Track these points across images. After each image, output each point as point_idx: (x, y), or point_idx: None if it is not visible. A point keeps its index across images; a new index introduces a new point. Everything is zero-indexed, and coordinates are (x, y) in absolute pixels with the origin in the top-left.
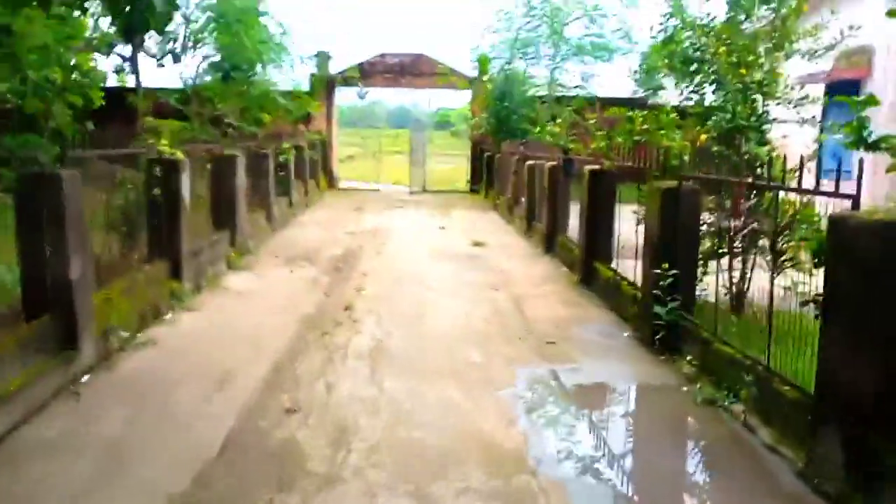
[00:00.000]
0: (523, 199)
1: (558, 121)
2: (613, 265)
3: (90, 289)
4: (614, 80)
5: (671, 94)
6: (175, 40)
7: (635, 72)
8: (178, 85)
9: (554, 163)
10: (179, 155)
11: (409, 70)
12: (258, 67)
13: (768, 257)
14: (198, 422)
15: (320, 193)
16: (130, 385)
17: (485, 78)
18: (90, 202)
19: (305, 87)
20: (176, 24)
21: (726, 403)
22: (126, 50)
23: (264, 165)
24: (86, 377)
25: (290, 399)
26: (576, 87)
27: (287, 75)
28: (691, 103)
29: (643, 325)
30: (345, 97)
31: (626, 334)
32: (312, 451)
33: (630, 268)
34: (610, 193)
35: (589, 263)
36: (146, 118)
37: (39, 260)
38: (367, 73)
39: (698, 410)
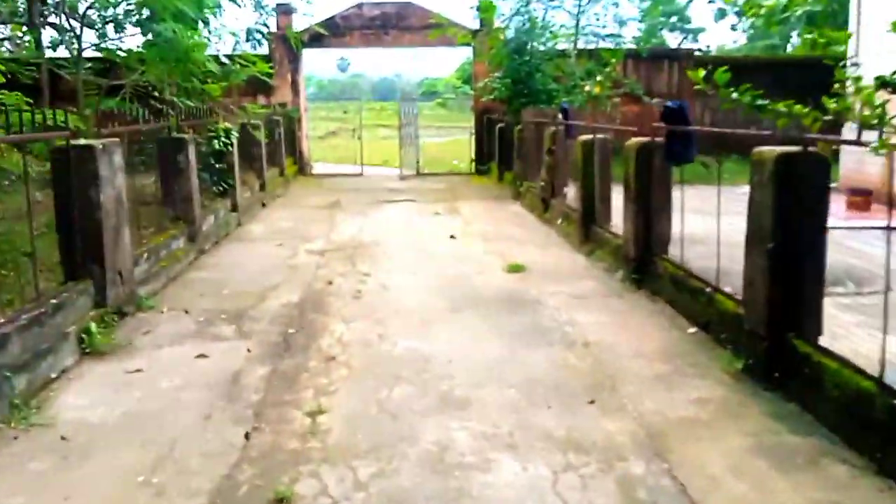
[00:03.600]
0: (568, 191)
1: (598, 78)
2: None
3: None
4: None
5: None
6: (117, 6)
7: None
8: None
9: (644, 139)
10: None
11: (394, 23)
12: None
13: None
14: None
15: (285, 184)
16: None
17: (496, 25)
18: None
19: (258, 48)
20: None
21: None
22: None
23: (181, 157)
24: None
25: None
26: (609, 35)
27: (222, 31)
28: None
29: None
30: (323, 68)
31: None
32: None
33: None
34: (819, 202)
35: (778, 339)
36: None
37: None
38: (341, 29)
39: None
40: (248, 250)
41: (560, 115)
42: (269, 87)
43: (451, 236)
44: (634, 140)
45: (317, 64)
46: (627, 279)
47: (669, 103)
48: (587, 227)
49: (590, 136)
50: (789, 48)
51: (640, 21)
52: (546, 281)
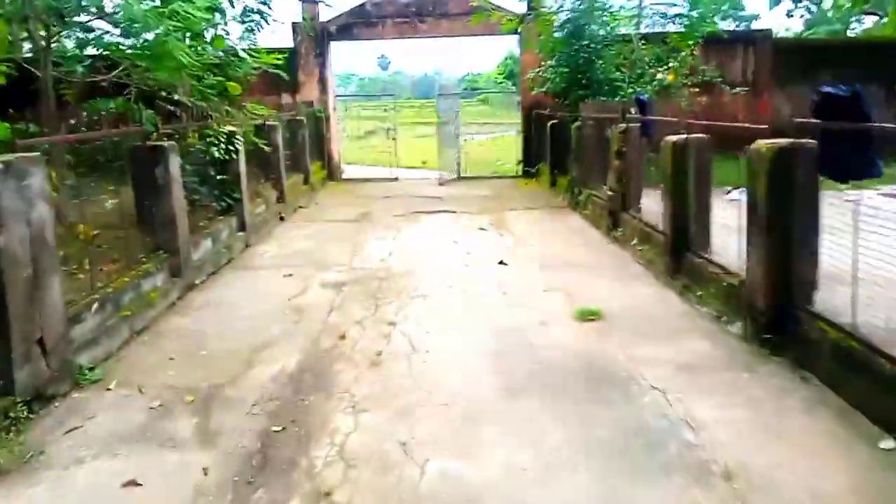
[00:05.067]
0: (644, 203)
1: (672, 65)
2: None
3: None
4: None
5: None
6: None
7: None
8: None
9: (783, 142)
10: None
11: (431, 10)
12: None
13: None
14: None
15: (310, 193)
16: None
17: (545, 9)
18: None
19: (258, 32)
20: None
21: None
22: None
23: (159, 171)
24: None
25: None
26: (677, 16)
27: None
28: None
29: None
30: (364, 66)
31: None
32: None
33: None
34: None
35: None
36: None
37: None
38: (373, 18)
39: None
40: (249, 284)
41: (634, 110)
42: (294, 83)
43: (501, 262)
44: (765, 143)
45: (357, 62)
46: (754, 339)
47: (828, 88)
48: (678, 253)
49: (681, 137)
50: (849, 34)
51: (694, 7)
52: (634, 337)
